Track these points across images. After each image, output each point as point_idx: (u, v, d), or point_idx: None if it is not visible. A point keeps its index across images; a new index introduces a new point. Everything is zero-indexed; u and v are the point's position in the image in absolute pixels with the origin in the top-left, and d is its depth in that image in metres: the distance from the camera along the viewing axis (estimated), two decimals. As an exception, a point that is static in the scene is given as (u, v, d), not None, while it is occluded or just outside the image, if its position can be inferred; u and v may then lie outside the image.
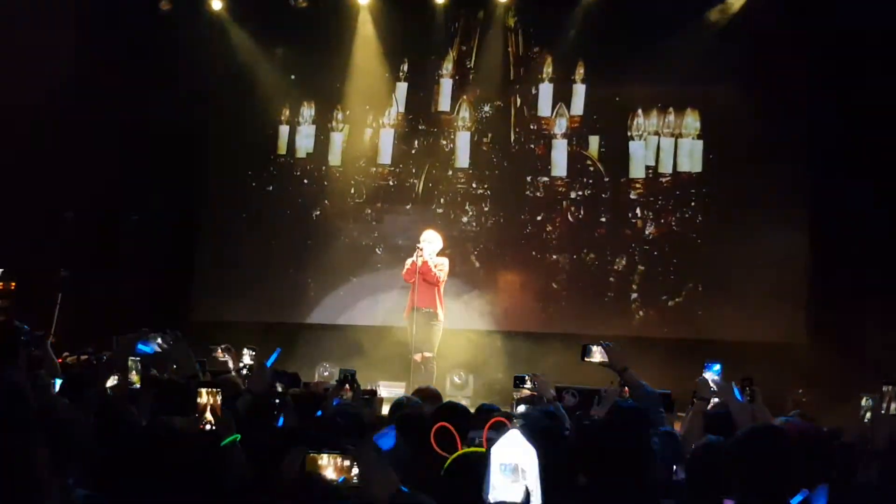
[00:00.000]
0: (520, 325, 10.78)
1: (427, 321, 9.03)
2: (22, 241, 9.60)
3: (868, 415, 4.03)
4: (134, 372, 5.07)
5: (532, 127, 11.17)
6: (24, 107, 9.22)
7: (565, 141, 11.05)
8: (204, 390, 3.40)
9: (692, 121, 10.73)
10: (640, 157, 10.83)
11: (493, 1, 10.96)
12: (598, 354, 5.01)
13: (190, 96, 10.91)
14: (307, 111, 11.58)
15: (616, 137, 10.89)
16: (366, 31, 11.12)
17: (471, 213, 11.20)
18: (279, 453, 3.17)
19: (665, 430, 4.31)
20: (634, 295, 10.75)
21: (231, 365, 7.24)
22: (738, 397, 4.53)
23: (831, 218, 9.70)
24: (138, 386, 4.92)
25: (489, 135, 11.26)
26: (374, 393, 8.58)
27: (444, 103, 11.38)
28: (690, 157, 10.72)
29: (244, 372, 6.65)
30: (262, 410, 4.46)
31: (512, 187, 11.14)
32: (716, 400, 4.85)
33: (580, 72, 11.00)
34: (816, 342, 9.34)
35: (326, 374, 9.47)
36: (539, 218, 11.04)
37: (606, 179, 10.90)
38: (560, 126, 11.07)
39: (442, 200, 11.28)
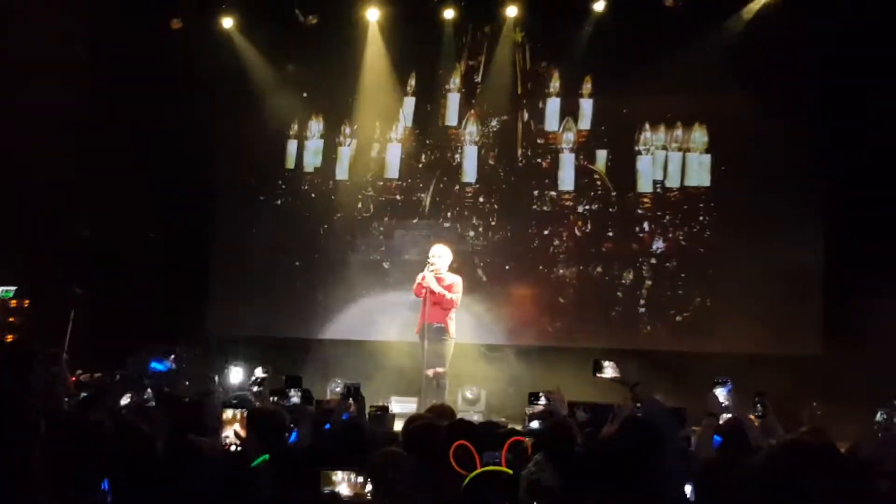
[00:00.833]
0: (527, 339, 10.80)
1: (438, 337, 9.04)
2: (36, 259, 9.66)
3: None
4: (148, 390, 5.10)
5: (539, 141, 11.20)
6: (38, 127, 9.28)
7: (573, 155, 11.07)
8: (229, 410, 3.41)
9: (700, 135, 10.74)
10: (647, 172, 10.84)
11: (500, 16, 10.99)
12: (609, 369, 5.03)
13: (200, 113, 10.96)
14: (315, 126, 11.66)
15: (623, 152, 10.90)
16: (374, 47, 11.16)
17: (478, 227, 11.24)
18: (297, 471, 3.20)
19: (677, 447, 4.32)
20: (642, 310, 10.76)
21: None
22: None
23: (845, 229, 9.67)
24: (153, 404, 4.95)
25: (496, 149, 11.30)
26: (385, 409, 8.60)
27: (451, 118, 11.42)
28: (698, 171, 10.72)
29: (255, 388, 6.67)
30: (274, 426, 4.48)
31: (519, 201, 11.17)
32: (726, 416, 4.86)
33: (587, 86, 11.03)
34: (831, 354, 9.24)
35: (338, 389, 9.46)
36: (546, 232, 11.07)
37: (614, 194, 10.92)
38: (567, 140, 11.09)
39: (449, 215, 11.32)
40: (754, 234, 10.29)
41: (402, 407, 8.94)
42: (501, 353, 10.62)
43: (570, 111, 11.10)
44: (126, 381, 4.99)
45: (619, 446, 3.64)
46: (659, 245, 10.78)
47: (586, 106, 11.07)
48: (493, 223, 11.22)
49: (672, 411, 4.93)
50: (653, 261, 10.77)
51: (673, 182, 10.79)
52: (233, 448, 3.36)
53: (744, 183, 10.45)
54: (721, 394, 5.14)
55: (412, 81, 11.48)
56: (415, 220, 11.37)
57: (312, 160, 11.64)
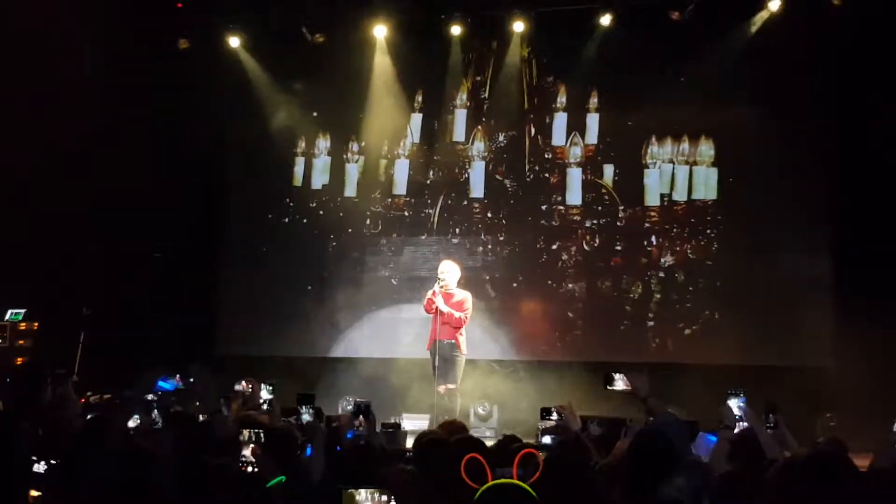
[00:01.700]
0: (536, 353, 10.79)
1: (449, 353, 9.03)
2: (45, 281, 9.67)
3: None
4: (156, 410, 5.07)
5: (546, 156, 11.21)
6: (46, 147, 9.32)
7: (580, 170, 11.08)
8: (246, 430, 3.39)
9: (706, 148, 10.73)
10: (654, 186, 10.83)
11: (507, 32, 11.02)
12: (620, 382, 5.01)
13: (207, 133, 11.00)
14: (323, 143, 11.70)
15: (630, 166, 10.90)
16: (381, 64, 11.20)
17: (486, 242, 11.23)
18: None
19: (691, 460, 4.29)
20: (651, 323, 10.73)
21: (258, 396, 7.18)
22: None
23: (854, 239, 9.65)
24: (160, 424, 4.92)
25: (504, 164, 11.31)
26: (397, 426, 8.56)
27: (458, 133, 11.45)
28: (705, 184, 10.71)
29: (264, 407, 6.65)
30: (286, 445, 4.46)
31: (527, 216, 11.17)
32: (741, 426, 4.83)
33: (594, 101, 11.04)
34: (844, 365, 9.17)
35: (350, 407, 9.44)
36: (554, 247, 11.06)
37: (621, 208, 10.91)
38: (574, 155, 11.10)
39: (457, 230, 11.33)
40: (762, 246, 10.28)
41: (414, 424, 8.91)
42: (512, 368, 10.61)
43: (576, 126, 11.11)
44: (133, 401, 4.94)
45: (633, 460, 3.62)
46: (667, 258, 10.76)
47: (593, 120, 11.08)
48: (501, 238, 11.22)
49: (685, 424, 4.92)
50: (661, 274, 10.75)
51: (680, 195, 10.78)
52: (249, 469, 3.34)
53: (751, 196, 10.43)
54: (734, 405, 5.11)
55: (419, 98, 11.51)
56: (423, 237, 11.38)
57: (320, 178, 11.68)
